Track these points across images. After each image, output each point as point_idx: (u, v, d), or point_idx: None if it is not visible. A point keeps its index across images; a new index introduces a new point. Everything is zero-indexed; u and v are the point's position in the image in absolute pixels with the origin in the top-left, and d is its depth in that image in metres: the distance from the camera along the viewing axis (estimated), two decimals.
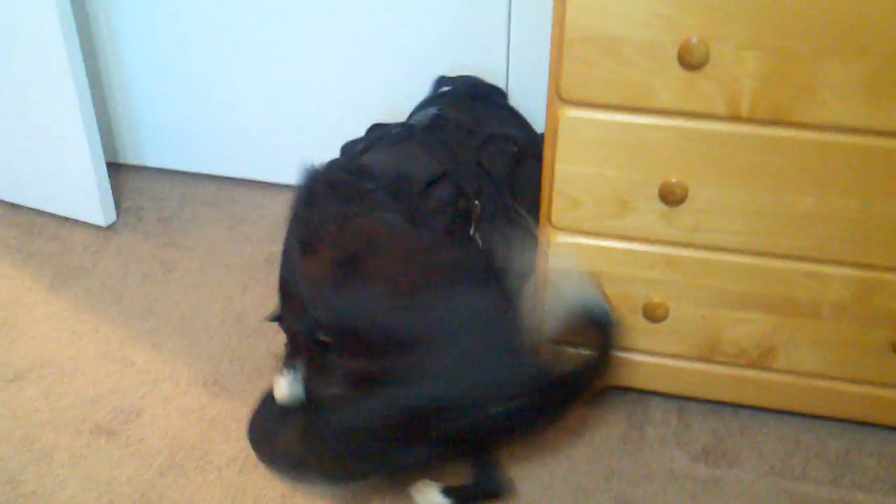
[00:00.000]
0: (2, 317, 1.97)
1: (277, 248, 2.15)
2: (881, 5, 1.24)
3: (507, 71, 2.13)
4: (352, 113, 2.25)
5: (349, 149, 1.88)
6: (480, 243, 1.72)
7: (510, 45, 2.10)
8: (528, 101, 2.08)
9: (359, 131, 2.02)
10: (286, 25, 2.20)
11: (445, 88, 2.03)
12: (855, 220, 1.40)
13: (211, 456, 1.62)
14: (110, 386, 1.78)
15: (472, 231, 1.71)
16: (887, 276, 1.44)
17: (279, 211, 2.32)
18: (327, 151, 2.18)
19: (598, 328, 1.38)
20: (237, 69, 2.29)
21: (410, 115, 2.04)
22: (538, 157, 1.54)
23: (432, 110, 1.89)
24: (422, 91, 2.10)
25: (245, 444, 1.65)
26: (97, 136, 2.15)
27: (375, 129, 1.99)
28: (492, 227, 1.75)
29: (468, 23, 2.09)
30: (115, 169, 2.47)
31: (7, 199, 2.35)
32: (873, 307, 1.47)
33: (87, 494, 1.55)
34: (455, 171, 1.74)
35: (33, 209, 2.33)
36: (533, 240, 1.65)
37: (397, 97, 2.18)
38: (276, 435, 1.65)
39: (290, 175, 2.39)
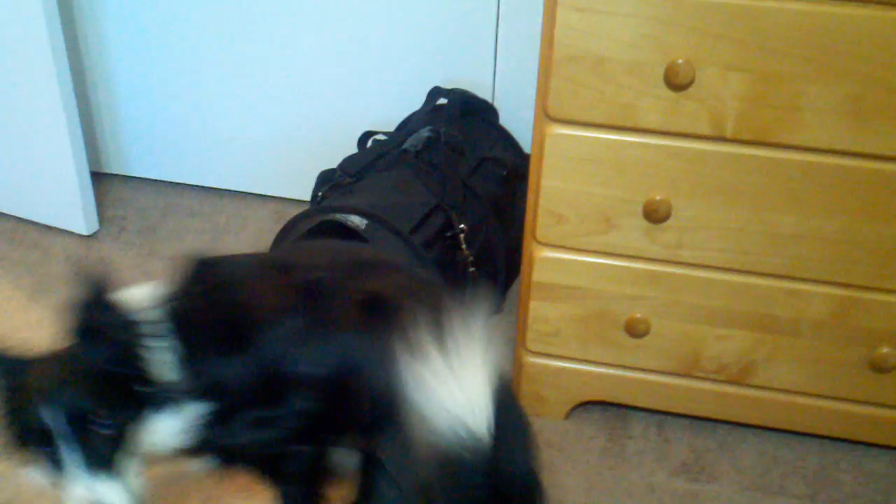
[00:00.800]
0: None
1: None
2: (864, 30, 1.27)
3: (494, 86, 2.15)
4: (338, 124, 2.26)
5: (347, 165, 1.89)
6: (470, 262, 1.75)
7: (497, 61, 2.12)
8: (513, 116, 2.10)
9: (345, 143, 2.03)
10: (273, 36, 2.21)
11: (440, 102, 2.05)
12: (835, 240, 1.43)
13: None
14: None
15: (464, 249, 1.73)
16: (866, 295, 1.47)
17: (262, 222, 2.33)
18: (313, 162, 2.19)
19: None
20: (222, 79, 2.30)
21: (403, 125, 2.05)
22: (525, 178, 1.56)
23: (425, 132, 1.90)
24: (409, 103, 2.11)
25: None
26: (81, 145, 2.15)
27: (367, 137, 2.00)
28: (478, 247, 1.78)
29: (457, 38, 2.11)
30: (99, 178, 2.45)
31: None
32: (852, 325, 1.49)
33: None
34: (443, 198, 1.76)
35: (14, 217, 2.31)
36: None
37: (384, 109, 2.18)
38: None
39: (274, 186, 2.40)
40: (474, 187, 1.84)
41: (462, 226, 1.75)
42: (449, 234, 1.74)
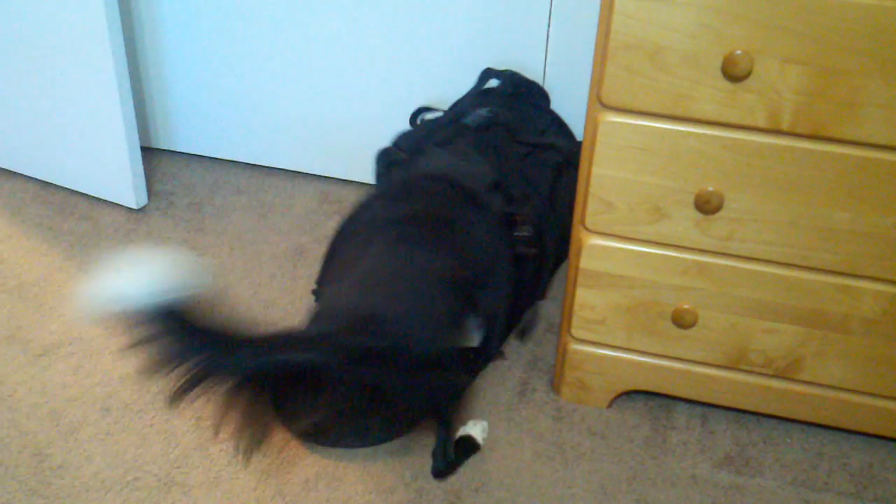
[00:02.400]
0: (33, 293, 1.99)
1: (306, 239, 2.18)
2: None
3: (545, 70, 2.14)
4: (387, 104, 2.26)
5: (402, 141, 1.88)
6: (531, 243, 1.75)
7: (549, 45, 2.11)
8: (564, 101, 2.09)
9: (395, 123, 2.03)
10: (325, 15, 2.21)
11: (493, 83, 2.04)
12: (889, 236, 1.41)
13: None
14: (138, 366, 1.80)
15: (524, 231, 1.73)
16: None
17: (308, 201, 2.34)
18: (361, 142, 2.20)
19: None
20: (273, 58, 2.30)
21: (457, 105, 2.04)
22: (577, 167, 1.56)
23: (484, 112, 1.89)
24: (460, 84, 2.10)
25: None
26: (133, 120, 2.17)
27: (419, 113, 1.99)
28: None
29: (509, 19, 2.10)
30: (148, 153, 2.48)
31: (40, 177, 2.37)
32: None
33: (113, 471, 1.58)
34: (503, 178, 1.76)
35: (66, 188, 2.35)
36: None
37: (434, 89, 2.18)
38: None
39: (321, 166, 2.41)
40: (527, 172, 1.84)
41: (526, 208, 1.74)
42: (511, 211, 1.74)
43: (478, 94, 2.02)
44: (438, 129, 1.89)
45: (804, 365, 1.57)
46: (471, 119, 1.87)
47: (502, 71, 2.05)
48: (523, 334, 1.83)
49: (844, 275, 1.47)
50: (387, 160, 1.89)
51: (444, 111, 2.02)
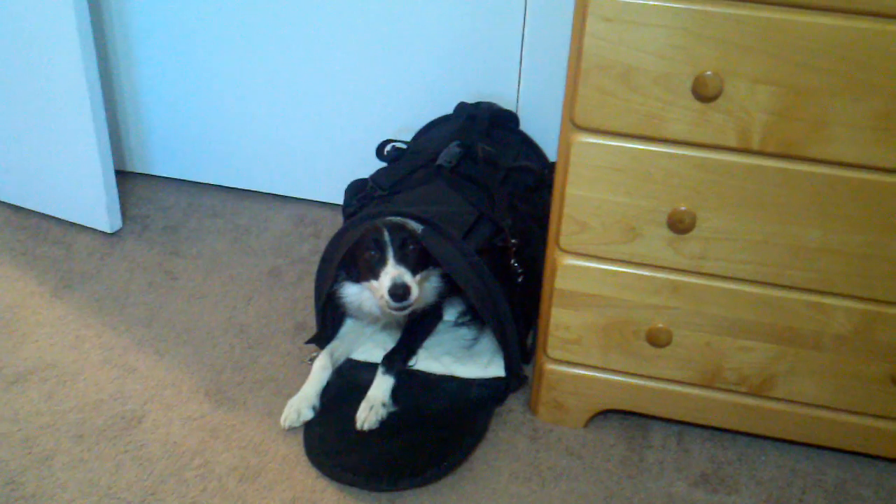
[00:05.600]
0: (6, 319, 1.98)
1: (282, 261, 2.18)
2: (893, 44, 1.27)
3: (518, 94, 2.15)
4: (362, 129, 2.27)
5: (380, 179, 1.90)
6: (519, 273, 1.77)
7: (522, 69, 2.12)
8: (537, 125, 2.10)
9: (368, 149, 2.03)
10: (299, 42, 2.22)
11: (467, 115, 2.06)
12: (860, 254, 1.42)
13: (212, 464, 1.63)
14: (112, 391, 1.79)
15: (512, 262, 1.75)
16: (890, 310, 1.47)
17: (283, 224, 2.34)
18: (335, 166, 2.20)
19: None
20: (247, 82, 2.31)
21: (423, 132, 2.05)
22: (550, 187, 1.58)
23: (455, 147, 1.91)
24: (432, 111, 2.11)
25: (246, 453, 1.66)
26: (107, 143, 2.17)
27: (384, 145, 2.01)
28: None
29: (483, 45, 2.12)
30: (123, 177, 2.48)
31: (14, 202, 2.36)
32: (874, 340, 1.49)
33: (87, 499, 1.56)
34: (490, 210, 1.79)
35: (40, 213, 2.33)
36: None
37: (408, 116, 2.19)
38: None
39: (296, 188, 2.41)
40: (507, 194, 1.85)
41: (514, 241, 1.76)
42: (500, 243, 1.76)
43: (454, 129, 2.03)
44: (414, 171, 1.91)
45: (777, 382, 1.58)
46: (443, 158, 1.89)
47: (476, 104, 2.06)
48: (527, 356, 1.84)
49: (816, 292, 1.48)
50: (361, 193, 1.90)
51: (408, 142, 2.04)
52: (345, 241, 1.74)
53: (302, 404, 1.74)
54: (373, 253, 1.68)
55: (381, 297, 1.67)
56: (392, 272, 1.66)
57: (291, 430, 1.71)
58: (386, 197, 1.86)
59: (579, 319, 1.61)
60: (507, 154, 1.97)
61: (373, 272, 1.69)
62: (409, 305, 1.67)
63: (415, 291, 1.66)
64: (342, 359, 1.85)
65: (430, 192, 1.85)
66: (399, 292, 1.64)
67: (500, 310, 1.71)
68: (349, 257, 1.73)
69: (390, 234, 1.68)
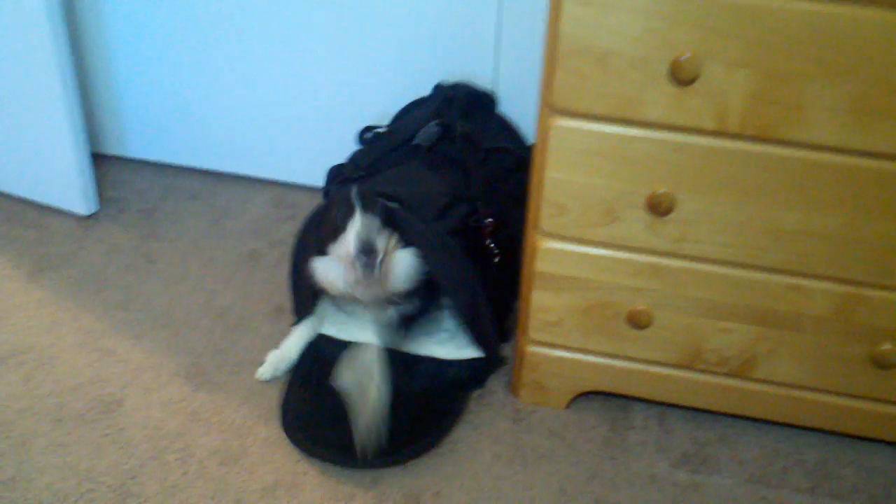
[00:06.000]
0: None
1: (260, 244, 2.17)
2: (868, 30, 1.26)
3: (496, 78, 2.14)
4: (340, 111, 2.25)
5: (358, 159, 1.88)
6: (496, 253, 1.76)
7: (498, 53, 2.11)
8: (515, 107, 2.09)
9: (347, 130, 2.02)
10: (275, 21, 2.20)
11: (445, 96, 2.04)
12: (837, 236, 1.42)
13: (192, 448, 1.63)
14: (91, 375, 1.78)
15: (488, 242, 1.74)
16: (868, 291, 1.47)
17: (262, 206, 2.33)
18: (313, 148, 2.19)
19: None
20: (223, 63, 2.29)
21: (403, 114, 2.04)
22: (527, 169, 1.57)
23: (434, 126, 1.89)
24: (410, 92, 2.10)
25: (227, 436, 1.66)
26: (81, 126, 2.14)
27: (366, 132, 1.99)
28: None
29: (458, 29, 2.10)
30: (98, 159, 2.46)
31: None
32: (854, 321, 1.50)
33: (66, 482, 1.56)
34: (467, 190, 1.77)
35: (14, 196, 2.32)
36: None
37: (386, 96, 2.18)
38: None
39: (274, 170, 2.40)
40: (487, 177, 1.84)
41: (489, 219, 1.75)
42: (473, 224, 1.75)
43: (432, 109, 2.01)
44: (392, 150, 1.89)
45: (758, 363, 1.58)
46: (421, 138, 1.87)
47: (454, 84, 2.05)
48: (505, 335, 1.84)
49: (795, 274, 1.48)
50: (340, 177, 1.89)
51: (389, 126, 2.02)
52: (317, 219, 1.73)
53: (281, 362, 1.77)
54: (340, 211, 1.62)
55: (349, 259, 1.61)
56: (358, 224, 1.60)
57: (270, 409, 1.71)
58: (363, 178, 1.85)
59: (560, 302, 1.61)
60: (485, 135, 1.96)
61: (340, 231, 1.63)
62: (378, 264, 1.61)
63: (381, 245, 1.60)
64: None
65: (406, 172, 1.84)
66: (368, 248, 1.58)
67: (473, 290, 1.70)
68: (320, 235, 1.71)
69: (359, 197, 1.62)
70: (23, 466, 1.59)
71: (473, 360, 1.79)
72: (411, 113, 2.08)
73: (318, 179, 1.96)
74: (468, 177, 1.81)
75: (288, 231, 2.22)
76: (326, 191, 1.93)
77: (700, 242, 1.49)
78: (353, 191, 1.64)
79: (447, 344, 1.82)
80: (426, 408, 1.71)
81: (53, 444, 1.63)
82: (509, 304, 1.87)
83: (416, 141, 1.87)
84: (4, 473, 1.57)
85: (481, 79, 2.12)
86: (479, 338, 1.75)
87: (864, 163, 1.36)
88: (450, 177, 1.80)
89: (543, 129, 1.46)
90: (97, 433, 1.66)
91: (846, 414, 1.61)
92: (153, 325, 1.92)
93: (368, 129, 2.00)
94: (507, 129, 2.06)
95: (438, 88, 2.08)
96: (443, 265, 1.68)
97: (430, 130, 1.89)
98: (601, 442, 1.68)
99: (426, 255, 1.68)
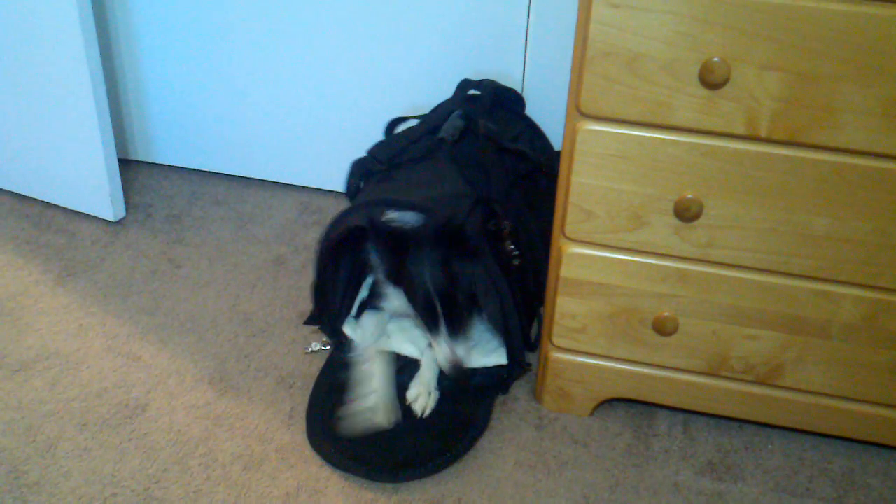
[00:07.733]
0: (9, 307, 1.97)
1: (286, 249, 2.18)
2: None
3: (523, 79, 2.14)
4: (366, 114, 2.26)
5: (378, 152, 1.87)
6: (515, 255, 1.75)
7: (527, 54, 2.11)
8: (542, 110, 2.09)
9: (373, 134, 2.02)
10: (302, 25, 2.20)
11: (472, 92, 2.03)
12: (868, 242, 1.41)
13: (216, 453, 1.63)
14: (116, 380, 1.78)
15: (508, 245, 1.73)
16: None
17: (288, 211, 2.33)
18: (340, 153, 2.19)
19: None
20: (250, 69, 2.30)
21: (434, 113, 2.02)
22: (553, 175, 1.56)
23: (459, 120, 1.88)
24: (438, 93, 2.09)
25: (250, 441, 1.65)
26: (110, 132, 2.16)
27: (395, 124, 1.98)
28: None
29: (488, 29, 2.10)
30: (126, 165, 2.47)
31: (17, 190, 2.35)
32: (883, 329, 1.48)
33: (91, 487, 1.56)
34: (487, 191, 1.76)
35: (43, 201, 2.33)
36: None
37: (413, 98, 2.18)
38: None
39: (300, 176, 2.40)
40: (505, 180, 1.83)
41: (507, 222, 1.74)
42: (492, 227, 1.74)
43: (457, 104, 2.00)
44: (414, 141, 1.88)
45: (785, 371, 1.57)
46: (445, 131, 1.86)
47: (480, 81, 2.04)
48: (531, 344, 1.83)
49: (824, 280, 1.47)
50: (361, 171, 1.88)
51: (420, 117, 2.00)
52: (342, 228, 1.72)
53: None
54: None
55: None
56: (445, 349, 1.66)
57: (293, 415, 1.71)
58: (384, 172, 1.84)
59: (585, 308, 1.60)
60: (505, 135, 1.93)
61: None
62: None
63: (465, 353, 1.67)
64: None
65: (430, 169, 1.82)
66: (458, 369, 1.65)
67: (503, 296, 1.69)
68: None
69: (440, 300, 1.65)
70: (48, 470, 1.59)
71: (498, 367, 1.78)
72: (440, 110, 2.07)
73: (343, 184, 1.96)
74: (488, 177, 1.80)
75: (313, 236, 2.22)
76: (347, 186, 1.91)
77: (728, 248, 1.48)
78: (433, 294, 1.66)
79: (472, 351, 1.81)
80: (451, 418, 1.71)
81: (78, 448, 1.64)
82: (534, 311, 1.87)
83: (440, 134, 1.86)
84: (30, 477, 1.58)
85: (510, 82, 2.12)
86: (506, 343, 1.74)
87: None
88: (471, 175, 1.79)
89: (571, 132, 1.46)
90: (122, 438, 1.66)
91: (873, 422, 1.59)
92: (178, 330, 1.93)
93: (398, 120, 2.00)
94: (531, 132, 2.04)
95: (464, 83, 2.06)
96: (474, 274, 1.67)
97: (454, 124, 1.87)
98: (625, 449, 1.67)
99: (459, 269, 1.66)
